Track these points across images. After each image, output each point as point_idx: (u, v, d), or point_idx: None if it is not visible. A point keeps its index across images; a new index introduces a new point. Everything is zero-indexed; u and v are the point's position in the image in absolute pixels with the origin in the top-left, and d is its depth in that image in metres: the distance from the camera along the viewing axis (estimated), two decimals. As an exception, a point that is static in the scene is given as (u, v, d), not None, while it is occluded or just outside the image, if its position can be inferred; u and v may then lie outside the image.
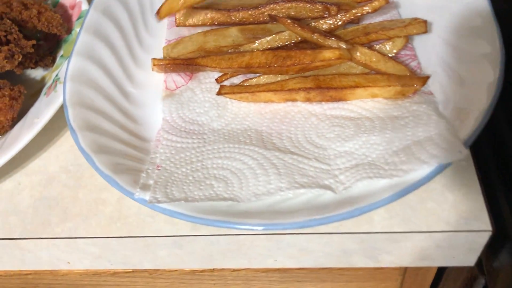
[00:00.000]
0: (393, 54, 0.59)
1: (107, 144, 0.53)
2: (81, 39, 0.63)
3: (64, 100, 0.57)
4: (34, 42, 0.63)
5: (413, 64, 0.60)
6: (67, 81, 0.58)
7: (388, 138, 0.51)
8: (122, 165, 0.51)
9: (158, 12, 0.65)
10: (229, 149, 0.54)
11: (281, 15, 0.66)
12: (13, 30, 0.62)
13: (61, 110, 0.57)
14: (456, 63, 0.56)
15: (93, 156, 0.51)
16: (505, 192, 0.53)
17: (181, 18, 0.70)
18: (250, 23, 0.67)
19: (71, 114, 0.55)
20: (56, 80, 0.63)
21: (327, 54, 0.55)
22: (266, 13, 0.66)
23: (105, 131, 0.55)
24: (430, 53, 0.60)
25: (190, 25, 0.70)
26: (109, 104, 0.59)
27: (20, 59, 0.61)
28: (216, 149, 0.54)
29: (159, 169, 0.52)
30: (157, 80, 0.65)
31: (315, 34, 0.56)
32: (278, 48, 0.61)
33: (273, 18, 0.59)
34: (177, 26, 0.70)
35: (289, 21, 0.57)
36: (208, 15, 0.69)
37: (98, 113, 0.57)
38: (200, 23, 0.69)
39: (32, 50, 0.63)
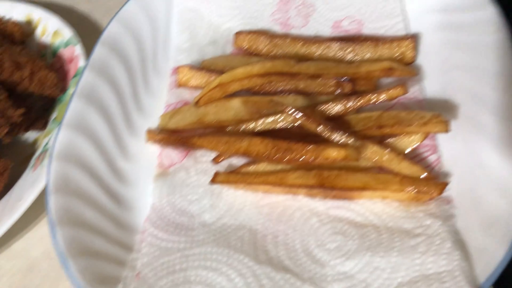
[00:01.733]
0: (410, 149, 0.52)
1: (88, 243, 0.49)
2: (73, 107, 0.58)
3: (47, 184, 0.53)
4: (22, 111, 0.59)
5: (432, 157, 0.53)
6: (53, 160, 0.54)
7: (394, 263, 0.45)
8: (100, 272, 0.47)
9: (197, 102, 0.59)
10: (217, 257, 0.49)
11: (289, 87, 0.60)
12: (1, 97, 0.58)
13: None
14: (483, 167, 0.49)
15: (70, 259, 0.47)
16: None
17: (184, 79, 0.64)
18: (255, 92, 0.61)
19: (53, 204, 0.51)
20: (45, 150, 0.59)
21: (332, 153, 0.49)
22: (272, 84, 0.60)
23: (88, 224, 0.51)
24: (454, 144, 0.53)
25: (192, 87, 0.64)
26: (96, 186, 0.55)
27: (6, 131, 0.57)
28: (203, 255, 0.49)
29: (138, 279, 0.48)
30: (152, 152, 0.60)
31: (321, 127, 0.50)
32: (281, 130, 0.55)
33: (277, 104, 0.53)
34: (178, 87, 0.65)
35: (291, 111, 0.51)
36: (212, 78, 0.63)
37: (83, 200, 0.53)
38: (203, 85, 0.64)
39: (20, 119, 0.59)
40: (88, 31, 0.77)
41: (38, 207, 0.57)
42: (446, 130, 0.49)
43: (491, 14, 0.56)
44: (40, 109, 0.66)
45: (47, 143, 0.61)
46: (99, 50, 0.64)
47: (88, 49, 0.69)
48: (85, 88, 0.61)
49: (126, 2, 0.69)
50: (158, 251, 0.50)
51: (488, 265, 0.41)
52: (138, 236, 0.53)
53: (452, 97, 0.56)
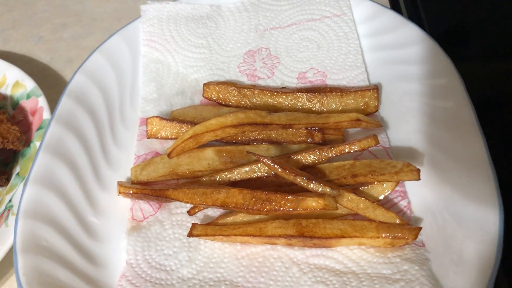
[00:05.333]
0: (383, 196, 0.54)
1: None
2: (39, 162, 0.57)
3: (14, 244, 0.50)
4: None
5: (402, 203, 0.55)
6: (19, 218, 0.52)
7: (378, 310, 0.46)
8: None
9: (169, 154, 0.59)
10: (200, 314, 0.48)
11: (261, 137, 0.61)
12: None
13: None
14: (450, 210, 0.51)
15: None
16: None
17: (153, 130, 0.64)
18: (228, 142, 0.62)
19: (22, 265, 0.48)
20: (9, 208, 0.57)
21: (311, 203, 0.50)
22: (245, 134, 0.61)
23: (59, 285, 0.49)
24: (421, 190, 0.55)
25: (162, 138, 0.64)
26: (66, 243, 0.53)
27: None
28: (185, 312, 0.48)
29: None
30: (123, 205, 0.59)
31: (298, 177, 0.51)
32: (256, 179, 0.56)
33: (252, 154, 0.54)
34: (148, 138, 0.64)
35: (269, 162, 0.52)
36: (183, 129, 0.63)
37: (53, 259, 0.51)
38: (174, 136, 0.64)
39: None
40: (49, 82, 0.75)
41: (4, 266, 0.54)
42: (418, 178, 0.51)
43: (444, 63, 0.61)
44: (1, 162, 0.63)
45: (10, 200, 0.58)
46: (65, 101, 0.63)
47: (50, 101, 0.68)
48: (52, 141, 0.59)
49: (91, 54, 0.69)
50: (137, 311, 0.49)
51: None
52: (114, 295, 0.51)
53: (415, 144, 0.59)
